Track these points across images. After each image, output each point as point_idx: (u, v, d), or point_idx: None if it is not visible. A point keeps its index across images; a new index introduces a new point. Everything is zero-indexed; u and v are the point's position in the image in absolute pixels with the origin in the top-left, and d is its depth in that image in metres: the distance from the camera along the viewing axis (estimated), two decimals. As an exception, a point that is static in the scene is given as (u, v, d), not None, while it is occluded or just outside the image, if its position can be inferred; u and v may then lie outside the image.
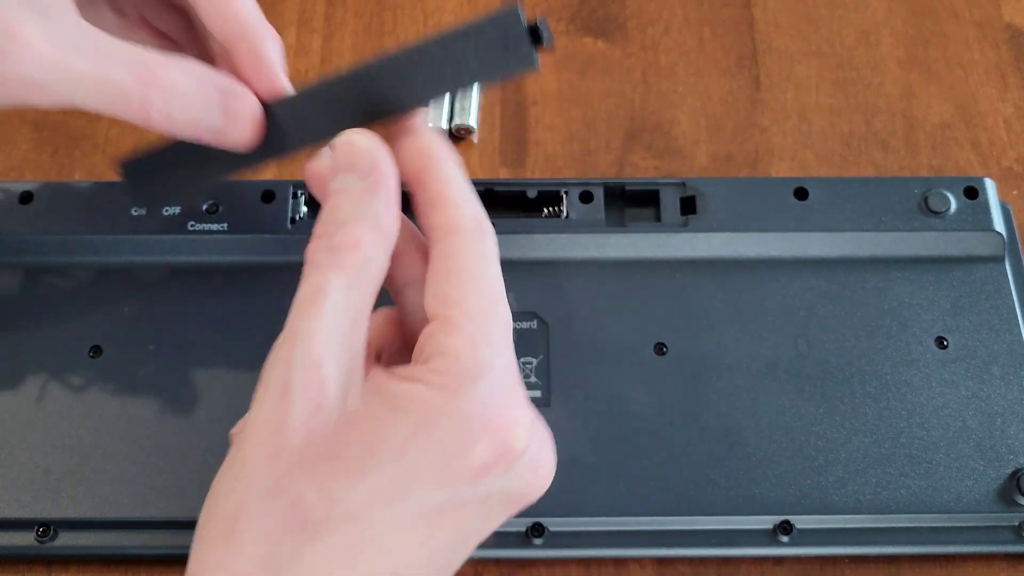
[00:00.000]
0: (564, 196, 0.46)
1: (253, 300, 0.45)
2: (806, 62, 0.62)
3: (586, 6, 0.63)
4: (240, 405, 0.30)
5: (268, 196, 0.45)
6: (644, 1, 0.63)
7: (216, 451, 0.31)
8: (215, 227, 0.45)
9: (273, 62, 0.35)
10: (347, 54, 0.61)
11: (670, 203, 0.48)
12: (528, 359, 0.43)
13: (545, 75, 0.60)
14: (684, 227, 0.48)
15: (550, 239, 0.45)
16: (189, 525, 0.29)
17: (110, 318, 0.45)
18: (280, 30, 0.66)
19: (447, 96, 0.61)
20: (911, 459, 0.42)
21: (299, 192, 0.46)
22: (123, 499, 0.41)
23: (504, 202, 0.47)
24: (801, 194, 0.49)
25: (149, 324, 0.45)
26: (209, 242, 0.45)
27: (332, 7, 0.63)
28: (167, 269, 0.46)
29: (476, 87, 0.62)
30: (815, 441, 0.43)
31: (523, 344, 0.42)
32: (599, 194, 0.47)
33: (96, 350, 0.44)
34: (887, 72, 0.61)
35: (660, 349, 0.44)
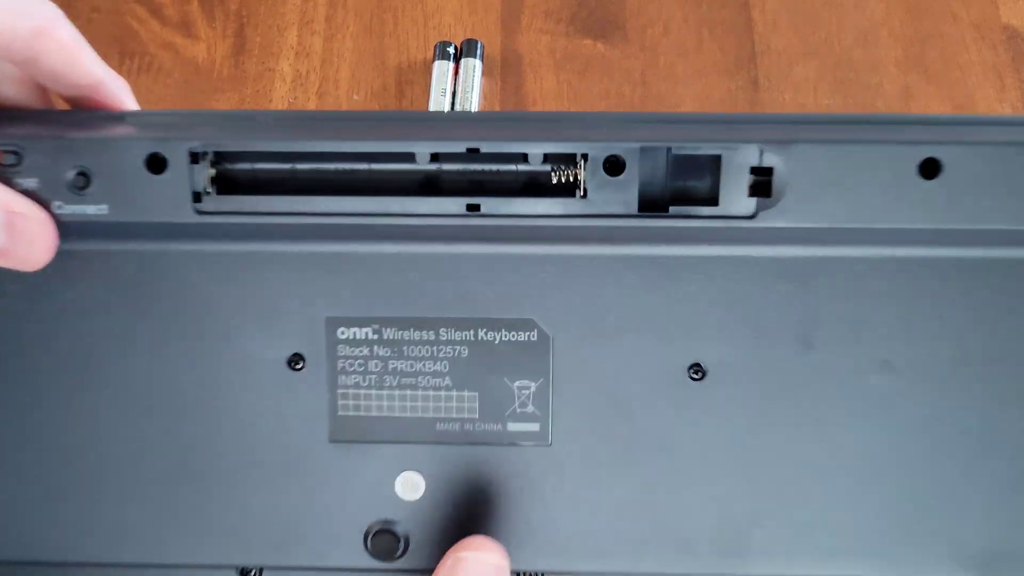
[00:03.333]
0: (582, 163, 0.33)
1: (145, 302, 0.35)
2: (804, 63, 0.62)
3: (585, 7, 0.63)
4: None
5: (156, 163, 0.33)
6: (643, 2, 0.63)
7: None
8: (91, 210, 0.33)
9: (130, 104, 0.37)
10: (348, 55, 0.61)
11: (735, 179, 0.33)
12: (524, 382, 0.35)
13: (544, 76, 0.60)
14: (751, 217, 0.33)
15: (558, 227, 0.34)
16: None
17: None
18: (281, 31, 0.67)
19: (448, 97, 0.61)
20: None
21: (199, 155, 0.33)
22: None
23: (493, 175, 0.34)
24: (930, 169, 0.32)
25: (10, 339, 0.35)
26: (83, 228, 0.34)
27: (333, 8, 0.63)
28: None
29: (477, 88, 0.63)
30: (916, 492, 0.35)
31: (518, 362, 0.35)
32: (633, 161, 0.33)
33: None
34: (885, 73, 0.61)
35: (696, 371, 0.35)
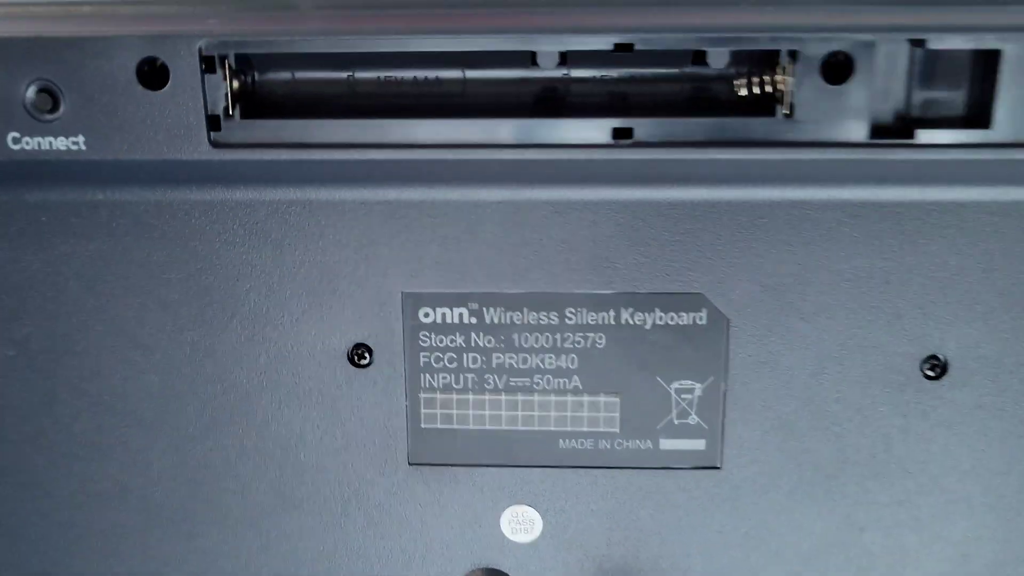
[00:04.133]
0: (787, 64, 0.22)
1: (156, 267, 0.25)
2: None
3: None
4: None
5: (153, 73, 0.23)
6: None
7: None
8: (61, 143, 0.23)
9: None
10: None
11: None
12: (685, 383, 0.25)
13: None
14: None
15: (742, 161, 0.23)
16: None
17: None
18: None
19: None
20: None
21: (215, 59, 0.23)
22: None
23: (648, 85, 0.24)
24: None
25: None
26: (51, 169, 0.24)
27: None
28: None
29: None
30: None
31: (678, 355, 0.25)
32: (865, 61, 0.22)
33: None
34: None
35: (934, 366, 0.25)
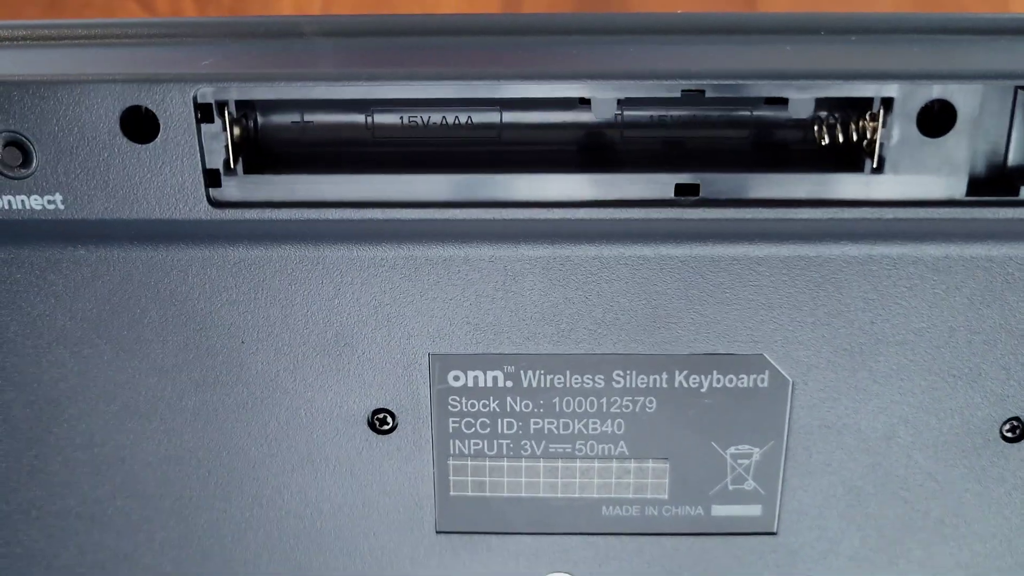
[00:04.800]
0: (880, 113, 0.19)
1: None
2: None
3: (586, 6, 0.52)
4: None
5: (139, 123, 0.20)
6: (645, 1, 0.52)
7: None
8: (36, 203, 0.20)
9: None
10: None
11: None
12: (743, 448, 0.23)
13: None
14: None
15: (824, 220, 0.20)
16: None
17: None
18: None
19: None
20: None
21: (213, 107, 0.20)
22: None
23: (712, 131, 0.21)
24: None
25: None
26: (24, 230, 0.21)
27: (328, 6, 0.51)
28: None
29: None
30: None
31: (735, 418, 0.23)
32: (968, 109, 0.19)
33: None
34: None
35: (1015, 428, 0.23)
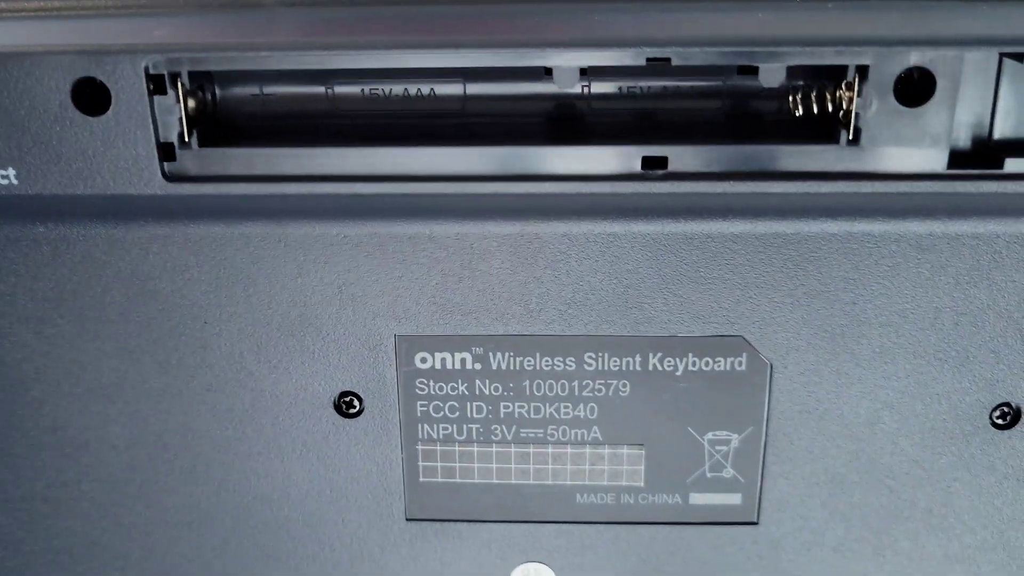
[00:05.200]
0: (855, 82, 0.19)
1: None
2: None
3: None
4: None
5: (92, 94, 0.19)
6: None
7: None
8: None
9: None
10: None
11: None
12: (721, 434, 0.22)
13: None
14: None
15: (794, 195, 0.20)
16: None
17: None
18: None
19: None
20: None
21: (166, 77, 0.19)
22: None
23: (685, 103, 0.21)
24: None
25: None
26: None
27: None
28: None
29: None
30: None
31: (713, 403, 0.22)
32: (947, 78, 0.19)
33: None
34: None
35: (1005, 414, 0.22)
